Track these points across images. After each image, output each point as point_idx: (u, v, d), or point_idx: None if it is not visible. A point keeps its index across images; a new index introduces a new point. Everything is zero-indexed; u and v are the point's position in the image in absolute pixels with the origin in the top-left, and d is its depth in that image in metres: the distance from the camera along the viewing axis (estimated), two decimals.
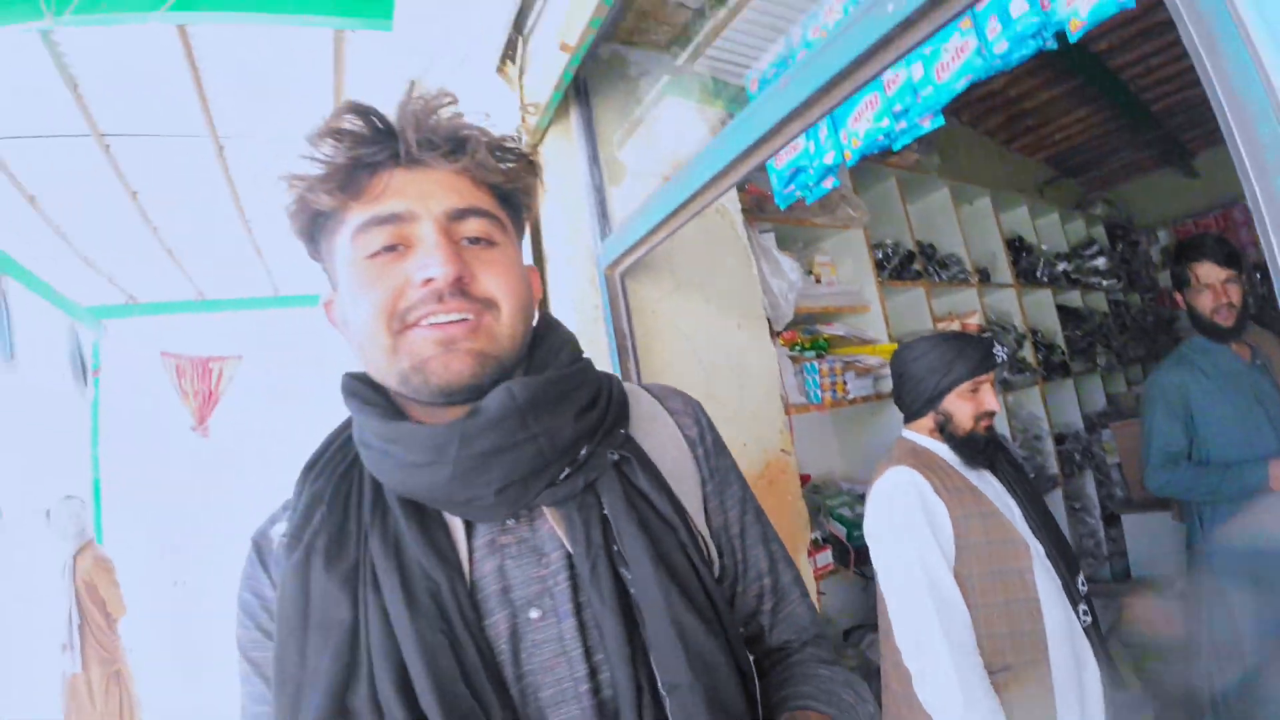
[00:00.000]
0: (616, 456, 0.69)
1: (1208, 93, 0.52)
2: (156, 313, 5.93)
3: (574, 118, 1.71)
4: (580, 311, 1.61)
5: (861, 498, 2.01)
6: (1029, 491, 1.62)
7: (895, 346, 2.63)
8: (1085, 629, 1.48)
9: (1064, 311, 3.87)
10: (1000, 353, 1.63)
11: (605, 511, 0.66)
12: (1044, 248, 3.94)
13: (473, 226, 0.65)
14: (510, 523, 0.67)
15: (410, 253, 0.63)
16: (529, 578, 0.65)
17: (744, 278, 1.88)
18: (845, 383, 2.39)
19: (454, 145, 0.65)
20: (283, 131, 3.49)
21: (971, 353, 1.56)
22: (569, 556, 0.65)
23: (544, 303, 1.71)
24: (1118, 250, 4.56)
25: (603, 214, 1.63)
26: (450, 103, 0.67)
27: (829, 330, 2.55)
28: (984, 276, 3.33)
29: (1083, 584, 1.55)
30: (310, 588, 0.62)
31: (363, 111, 0.64)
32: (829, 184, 1.48)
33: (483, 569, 0.65)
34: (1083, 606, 1.50)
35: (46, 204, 3.87)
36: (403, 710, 0.57)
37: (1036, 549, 1.49)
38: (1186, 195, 4.86)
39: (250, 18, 2.45)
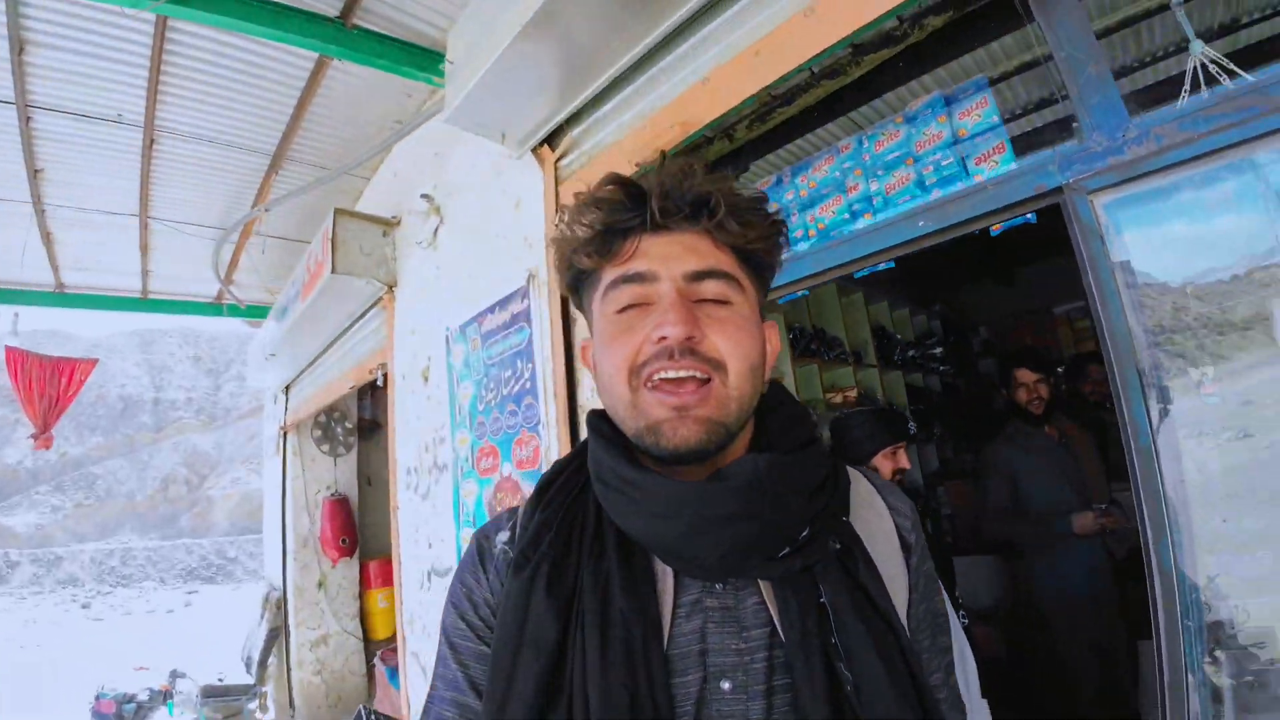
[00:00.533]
0: (839, 546, 0.70)
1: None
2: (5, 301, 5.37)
3: None
4: None
5: None
6: None
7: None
8: None
9: (910, 389, 4.71)
10: (912, 427, 2.19)
11: (823, 599, 0.66)
12: (898, 337, 4.79)
13: (710, 288, 0.69)
14: (718, 587, 0.68)
15: (650, 311, 0.68)
16: (727, 648, 0.66)
17: None
18: None
19: (695, 209, 0.69)
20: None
21: (894, 425, 2.11)
22: (771, 636, 0.66)
23: (570, 351, 2.06)
24: (950, 341, 5.56)
25: None
26: (699, 168, 0.72)
27: None
28: (857, 358, 4.05)
29: None
30: (530, 608, 0.66)
31: (620, 182, 0.71)
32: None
33: (684, 627, 0.67)
34: None
35: None
36: None
37: None
38: (1005, 301, 6.01)
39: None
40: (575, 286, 0.77)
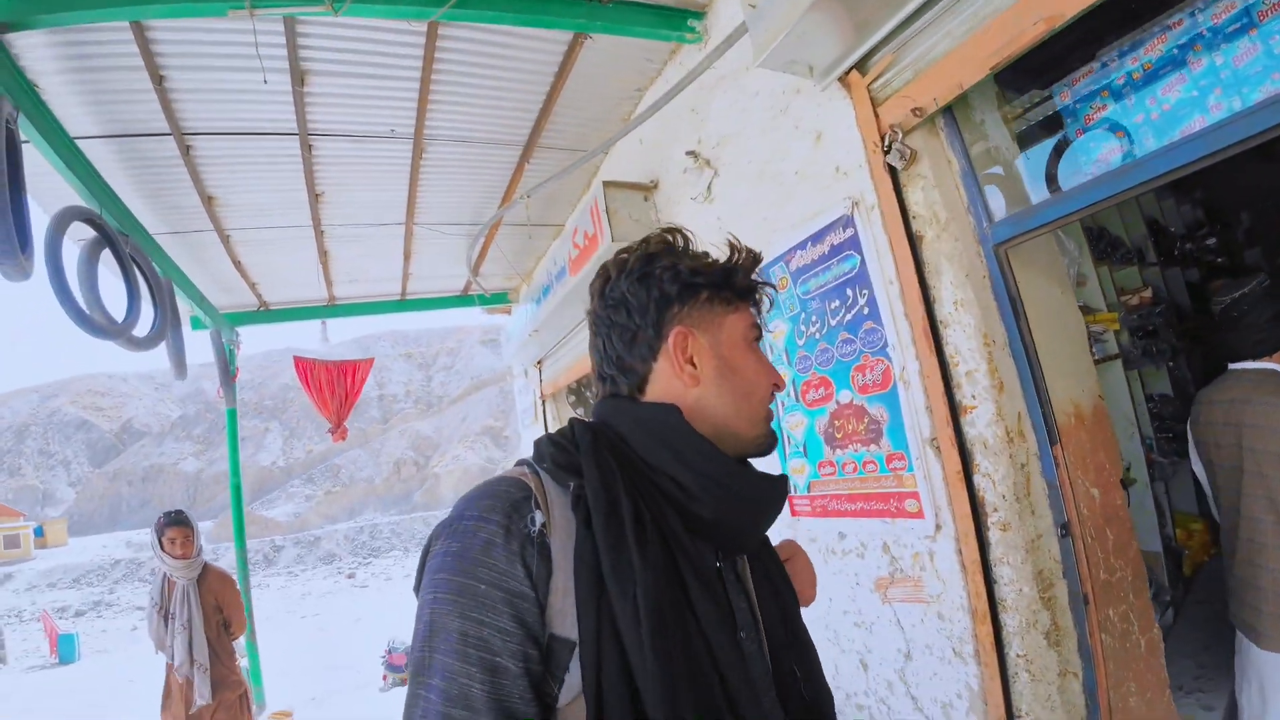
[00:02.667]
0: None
1: None
2: (287, 319, 6.18)
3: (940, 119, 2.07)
4: (973, 280, 1.97)
5: None
6: None
7: (1114, 315, 3.02)
8: None
9: (1190, 288, 4.27)
10: None
11: (766, 572, 0.96)
12: (1171, 229, 4.34)
13: None
14: (722, 565, 0.88)
15: (762, 358, 0.95)
16: (740, 606, 0.87)
17: None
18: None
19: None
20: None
21: None
22: (749, 596, 0.91)
23: (922, 271, 2.06)
24: (1218, 230, 4.97)
25: (983, 200, 2.00)
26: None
27: None
28: (1140, 256, 3.72)
29: None
30: (632, 552, 0.74)
31: (755, 256, 0.96)
32: None
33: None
34: None
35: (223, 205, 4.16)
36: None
37: None
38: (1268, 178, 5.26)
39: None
40: (705, 285, 0.91)
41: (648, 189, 3.48)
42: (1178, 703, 2.35)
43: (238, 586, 4.06)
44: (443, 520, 0.77)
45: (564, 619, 0.70)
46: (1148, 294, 3.26)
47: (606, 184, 3.32)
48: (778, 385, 0.94)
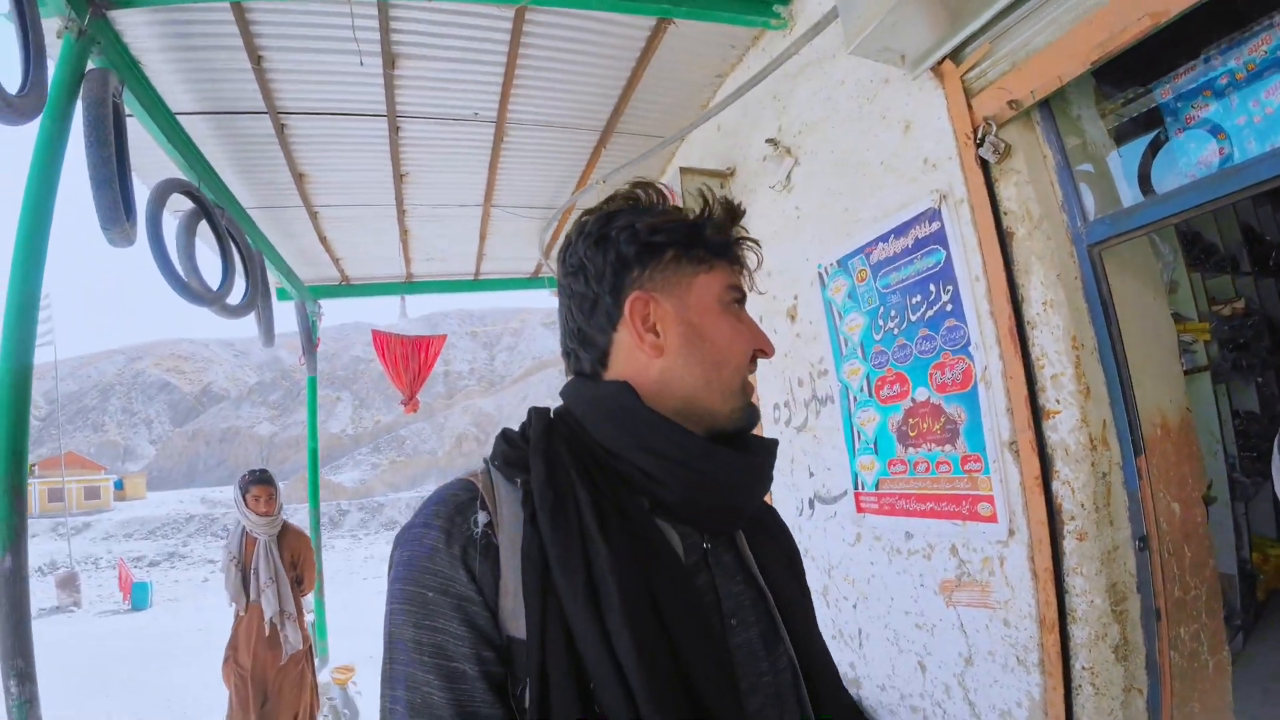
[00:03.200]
0: (769, 510, 0.96)
1: None
2: (367, 294, 6.42)
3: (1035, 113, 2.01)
4: (1064, 280, 1.91)
5: None
6: None
7: (1205, 325, 2.87)
8: None
9: None
10: None
11: (778, 549, 0.90)
12: (1267, 238, 4.08)
13: None
14: (708, 547, 0.80)
15: (742, 321, 0.84)
16: (730, 592, 0.80)
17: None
18: None
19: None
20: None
21: None
22: (747, 579, 0.82)
23: (1011, 269, 2.01)
24: None
25: (1078, 198, 1.93)
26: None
27: None
28: (1234, 264, 3.51)
29: None
30: (585, 544, 0.69)
31: (732, 207, 0.85)
32: None
33: (698, 581, 0.77)
34: None
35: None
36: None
37: None
38: None
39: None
40: (667, 245, 0.81)
41: (725, 176, 3.47)
42: None
43: (312, 545, 4.27)
44: (400, 527, 0.76)
45: (517, 620, 0.67)
46: (1240, 304, 3.08)
47: (684, 170, 3.33)
48: (762, 351, 0.84)
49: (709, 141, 3.78)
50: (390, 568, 0.72)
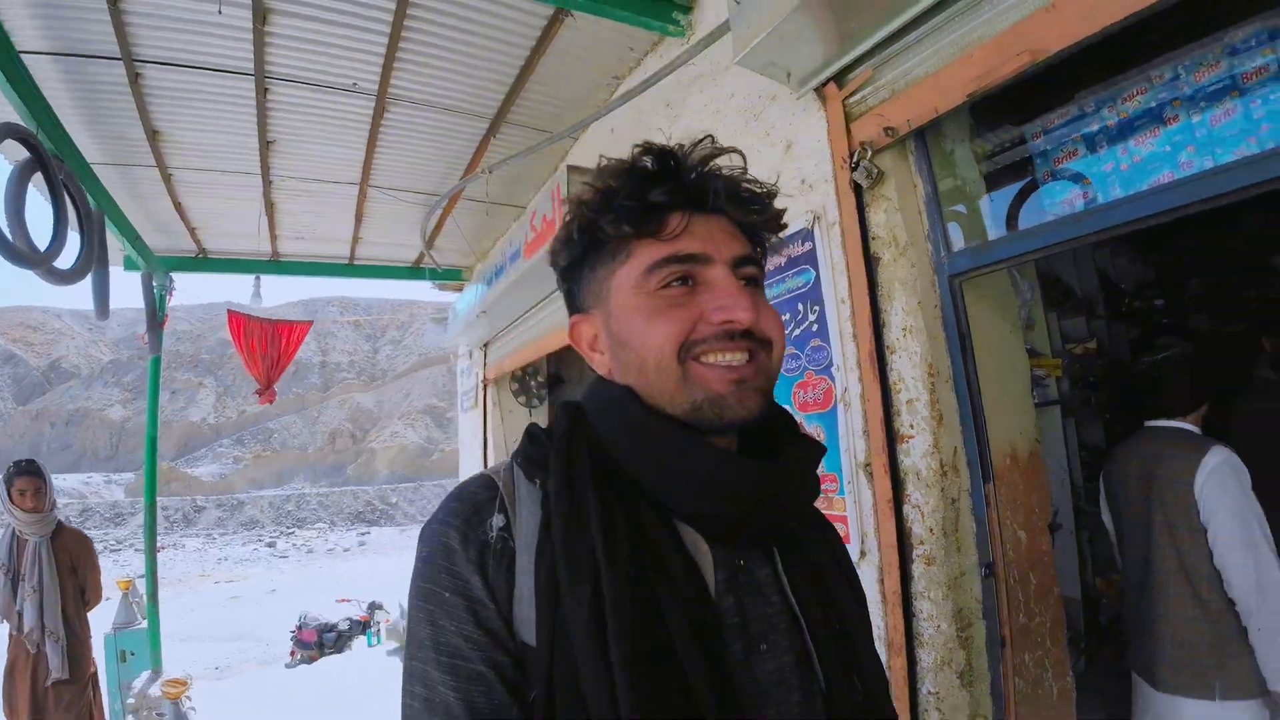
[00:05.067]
0: (818, 525, 0.84)
1: None
2: (226, 270, 5.89)
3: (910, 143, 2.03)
4: (924, 308, 1.93)
5: None
6: None
7: (1058, 362, 3.04)
8: None
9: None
10: None
11: (815, 569, 0.77)
12: (1121, 285, 4.43)
13: (748, 271, 0.74)
14: (741, 563, 0.72)
15: (700, 291, 0.71)
16: (760, 615, 0.71)
17: None
18: None
19: (744, 199, 0.75)
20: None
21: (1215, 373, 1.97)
22: (784, 601, 0.73)
23: (875, 293, 2.02)
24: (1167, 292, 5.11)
25: (943, 228, 1.96)
26: (741, 157, 0.78)
27: None
28: (1089, 308, 3.78)
29: None
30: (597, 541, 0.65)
31: (660, 154, 0.73)
32: None
33: (725, 601, 0.69)
34: None
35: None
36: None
37: None
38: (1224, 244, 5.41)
39: None
40: (582, 255, 0.76)
41: None
42: None
43: (95, 549, 3.77)
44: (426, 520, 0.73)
45: (529, 626, 0.65)
46: (1093, 345, 3.32)
47: (570, 168, 3.21)
48: (710, 320, 0.69)
49: (603, 143, 3.69)
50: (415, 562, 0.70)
